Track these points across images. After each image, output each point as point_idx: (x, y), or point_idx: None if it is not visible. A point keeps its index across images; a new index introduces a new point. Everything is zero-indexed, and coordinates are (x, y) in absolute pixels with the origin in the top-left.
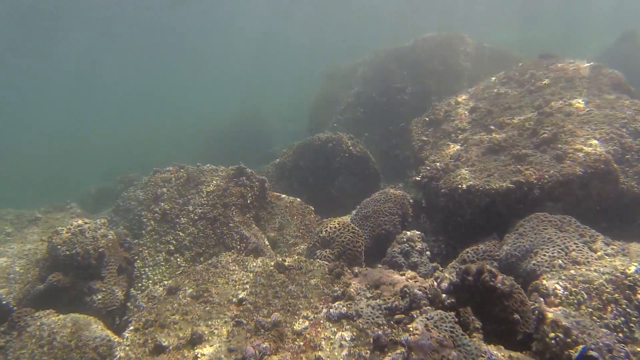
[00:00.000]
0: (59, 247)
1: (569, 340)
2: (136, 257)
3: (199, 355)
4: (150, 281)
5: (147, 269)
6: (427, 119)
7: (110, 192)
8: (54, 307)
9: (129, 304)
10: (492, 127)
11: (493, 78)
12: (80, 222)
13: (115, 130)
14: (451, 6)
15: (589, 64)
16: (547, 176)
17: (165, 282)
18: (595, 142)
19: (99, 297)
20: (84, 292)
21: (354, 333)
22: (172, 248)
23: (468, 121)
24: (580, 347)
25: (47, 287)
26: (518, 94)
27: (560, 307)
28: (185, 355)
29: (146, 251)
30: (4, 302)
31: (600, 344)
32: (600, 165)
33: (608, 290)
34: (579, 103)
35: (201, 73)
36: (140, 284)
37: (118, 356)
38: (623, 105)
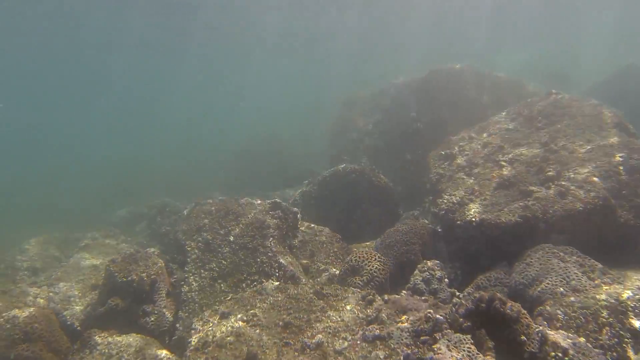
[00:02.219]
0: (116, 274)
1: (566, 358)
2: (182, 283)
3: None
4: (197, 304)
5: (193, 293)
6: (443, 152)
7: (141, 215)
8: (113, 327)
9: (177, 324)
10: (503, 163)
11: (503, 113)
12: (132, 250)
13: (136, 152)
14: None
15: (591, 102)
16: (551, 211)
17: (217, 307)
18: (595, 179)
19: (152, 319)
20: (138, 315)
21: (387, 352)
22: (216, 275)
23: (481, 156)
24: None
25: (107, 310)
26: (526, 130)
27: (560, 331)
28: None
29: (192, 277)
30: (68, 323)
31: None
32: (598, 202)
33: (603, 315)
34: (582, 141)
35: (223, 96)
36: (187, 307)
37: None
38: (621, 143)
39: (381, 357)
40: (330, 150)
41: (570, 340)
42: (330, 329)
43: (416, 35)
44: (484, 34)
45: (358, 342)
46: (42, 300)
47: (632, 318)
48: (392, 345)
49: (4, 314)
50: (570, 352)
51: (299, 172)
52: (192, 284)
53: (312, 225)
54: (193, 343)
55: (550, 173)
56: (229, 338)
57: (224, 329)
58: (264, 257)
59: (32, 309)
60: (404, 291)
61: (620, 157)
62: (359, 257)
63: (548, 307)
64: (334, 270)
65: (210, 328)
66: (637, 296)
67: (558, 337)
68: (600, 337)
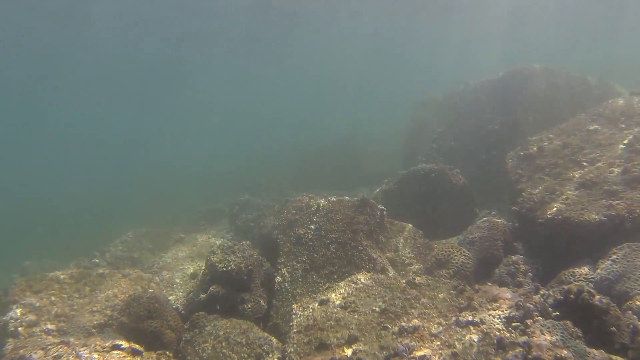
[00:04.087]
0: (217, 264)
1: None
2: (275, 274)
3: (357, 351)
4: (290, 294)
5: (286, 283)
6: (522, 153)
7: (221, 212)
8: (214, 312)
9: (271, 312)
10: (584, 164)
11: (583, 114)
12: (229, 243)
13: (209, 151)
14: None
15: None
16: (638, 211)
17: (314, 295)
18: None
19: (249, 306)
20: (236, 302)
21: (480, 336)
22: (308, 267)
23: (561, 156)
24: None
25: (209, 296)
26: (609, 131)
27: None
28: (345, 351)
29: (284, 269)
30: (174, 306)
31: None
32: None
33: None
34: None
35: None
36: (281, 296)
37: (289, 351)
38: None
39: (475, 340)
40: (405, 150)
41: None
42: (425, 315)
43: (493, 36)
44: (560, 33)
45: (452, 326)
46: (154, 285)
47: None
48: (485, 330)
49: (129, 294)
50: None
51: (374, 171)
52: (285, 275)
53: (396, 221)
54: (295, 327)
55: (636, 173)
56: (329, 322)
57: (323, 314)
58: (355, 251)
59: (151, 291)
60: (489, 283)
61: None
62: (445, 251)
63: (638, 302)
64: (419, 264)
65: (310, 313)
66: None
67: None
68: None
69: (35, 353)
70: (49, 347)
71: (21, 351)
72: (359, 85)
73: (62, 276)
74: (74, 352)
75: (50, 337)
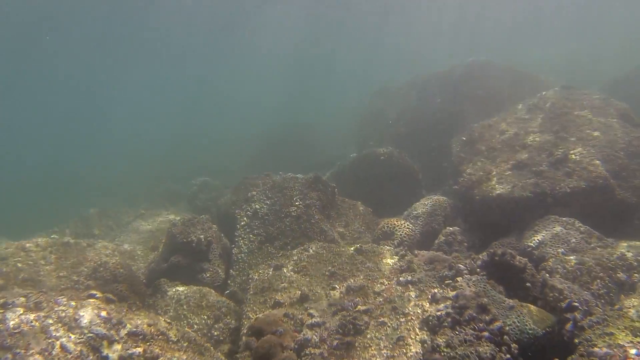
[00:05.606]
0: (177, 235)
1: (561, 297)
2: (233, 246)
3: (308, 308)
4: (246, 264)
5: (242, 254)
6: (465, 138)
7: (177, 193)
8: (176, 280)
9: (229, 281)
10: (518, 148)
11: (520, 105)
12: (190, 217)
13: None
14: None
15: (599, 96)
16: (558, 188)
17: (270, 262)
18: (597, 162)
19: (208, 275)
20: (196, 271)
21: (417, 292)
22: (263, 239)
23: (498, 142)
24: (567, 300)
25: (170, 266)
26: (540, 120)
27: (558, 277)
28: (297, 308)
29: (241, 241)
30: (136, 276)
31: (582, 299)
32: (599, 181)
33: (596, 270)
34: (589, 129)
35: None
36: (237, 266)
37: (246, 310)
38: (624, 132)
39: (412, 296)
40: (358, 137)
41: (565, 284)
42: (369, 277)
43: (445, 30)
44: (511, 30)
45: (393, 285)
46: (118, 254)
47: (619, 273)
48: (422, 288)
49: (96, 260)
50: (565, 292)
51: (329, 156)
52: (242, 247)
53: (347, 199)
54: (251, 289)
55: (559, 156)
56: (283, 284)
57: (277, 278)
58: (307, 224)
59: (116, 258)
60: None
61: (622, 143)
62: (391, 224)
63: (550, 263)
64: (367, 237)
65: (266, 277)
66: (626, 256)
67: (555, 282)
68: (592, 287)
69: (17, 299)
70: (29, 294)
71: (1, 300)
72: (321, 79)
73: (27, 244)
74: (52, 299)
75: None
